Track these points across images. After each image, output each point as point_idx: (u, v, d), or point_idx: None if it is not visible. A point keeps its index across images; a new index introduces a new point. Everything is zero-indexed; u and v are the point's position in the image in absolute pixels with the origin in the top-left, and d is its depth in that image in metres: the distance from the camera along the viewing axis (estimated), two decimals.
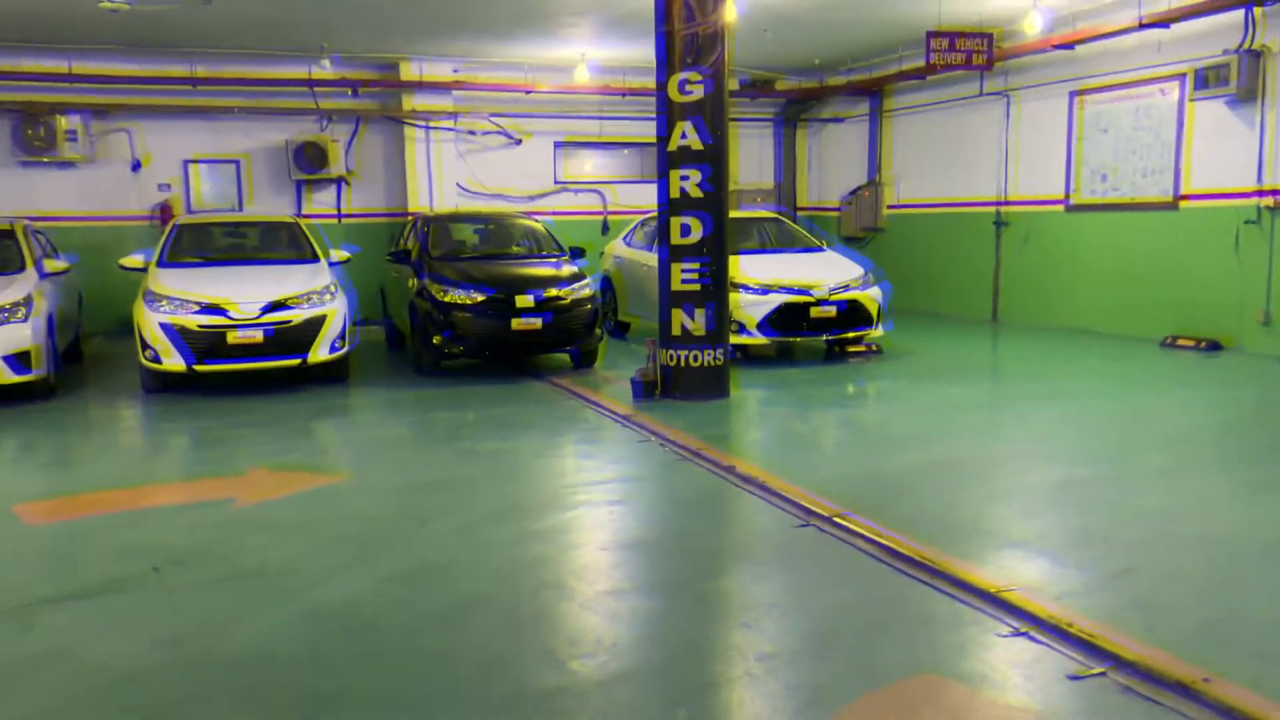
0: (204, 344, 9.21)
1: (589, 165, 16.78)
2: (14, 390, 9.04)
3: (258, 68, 14.36)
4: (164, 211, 14.43)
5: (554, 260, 11.15)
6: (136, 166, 14.41)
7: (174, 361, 9.21)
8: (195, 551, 5.04)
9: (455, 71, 15.20)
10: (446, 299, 10.11)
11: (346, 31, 12.75)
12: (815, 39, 13.71)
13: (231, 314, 9.23)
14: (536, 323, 10.12)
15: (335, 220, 15.35)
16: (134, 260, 10.15)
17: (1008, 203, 14.15)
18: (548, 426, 8.18)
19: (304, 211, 15.15)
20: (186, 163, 14.68)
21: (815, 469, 6.66)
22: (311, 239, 10.90)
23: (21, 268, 9.72)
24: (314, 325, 9.52)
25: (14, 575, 4.84)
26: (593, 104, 16.08)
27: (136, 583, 4.63)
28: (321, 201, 15.31)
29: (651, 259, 11.71)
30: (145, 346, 9.28)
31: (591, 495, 6.08)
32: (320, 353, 9.57)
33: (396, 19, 11.99)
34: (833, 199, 17.42)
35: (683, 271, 8.71)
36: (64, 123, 13.70)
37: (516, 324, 10.06)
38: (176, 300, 9.29)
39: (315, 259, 10.56)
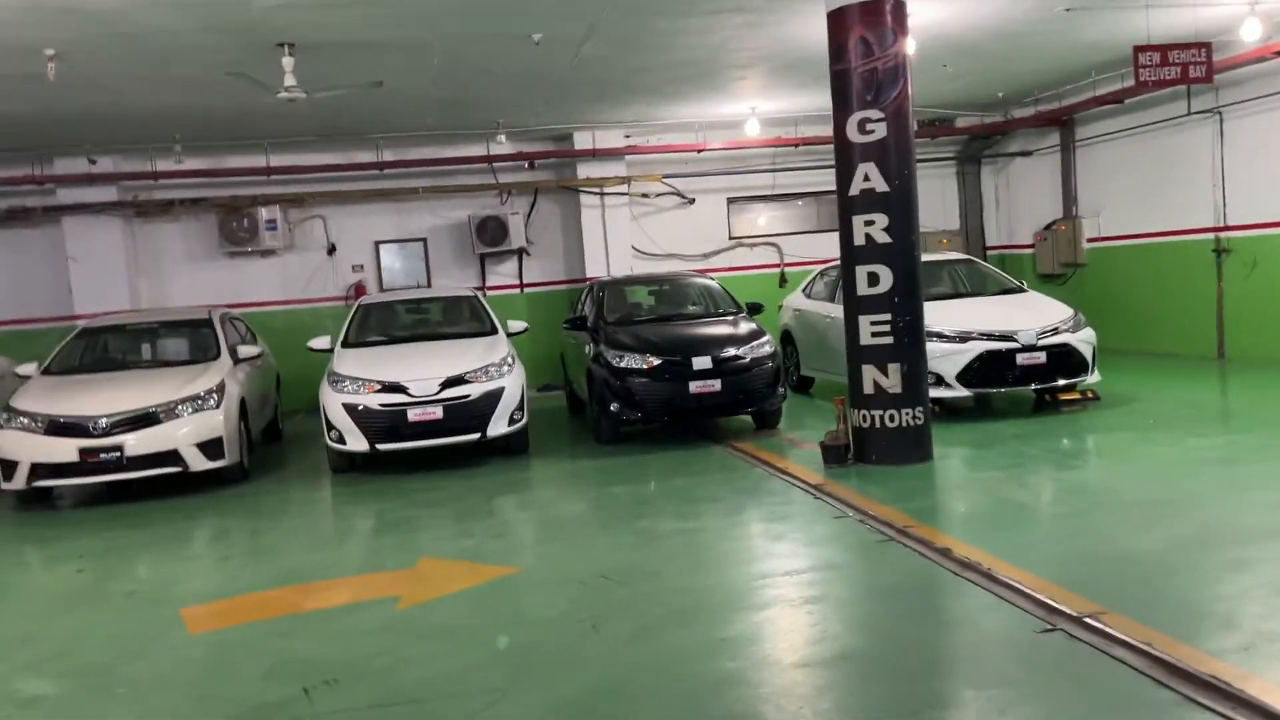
0: (384, 423, 8.82)
1: (762, 219, 15.94)
2: (207, 477, 8.89)
3: (438, 149, 14.31)
4: (358, 291, 14.47)
5: (730, 319, 10.31)
6: (331, 251, 14.56)
7: (357, 442, 8.86)
8: (351, 667, 4.39)
9: (626, 138, 14.73)
10: (621, 365, 9.42)
11: (519, 107, 12.46)
12: (998, 70, 12.47)
13: (410, 392, 8.82)
14: (714, 385, 9.28)
15: (517, 290, 15.06)
16: (320, 342, 9.95)
17: (1227, 229, 12.36)
18: (731, 500, 7.27)
19: (487, 284, 14.93)
20: (377, 243, 14.74)
21: (1048, 550, 5.47)
22: (488, 312, 10.47)
23: (216, 355, 9.66)
24: (491, 399, 8.99)
25: (162, 698, 4.31)
26: (764, 157, 15.28)
27: (283, 710, 4.00)
28: (503, 273, 15.06)
29: (833, 310, 10.72)
30: (330, 427, 8.97)
31: (785, 590, 5.12)
32: (498, 427, 9.03)
33: (567, 91, 11.58)
34: (1023, 237, 15.89)
35: (871, 324, 7.68)
36: (264, 214, 13.99)
37: (694, 387, 9.25)
38: (357, 380, 8.96)
39: (493, 331, 10.10)
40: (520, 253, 14.90)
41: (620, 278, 12.05)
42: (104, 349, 9.97)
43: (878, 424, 7.70)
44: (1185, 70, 8.72)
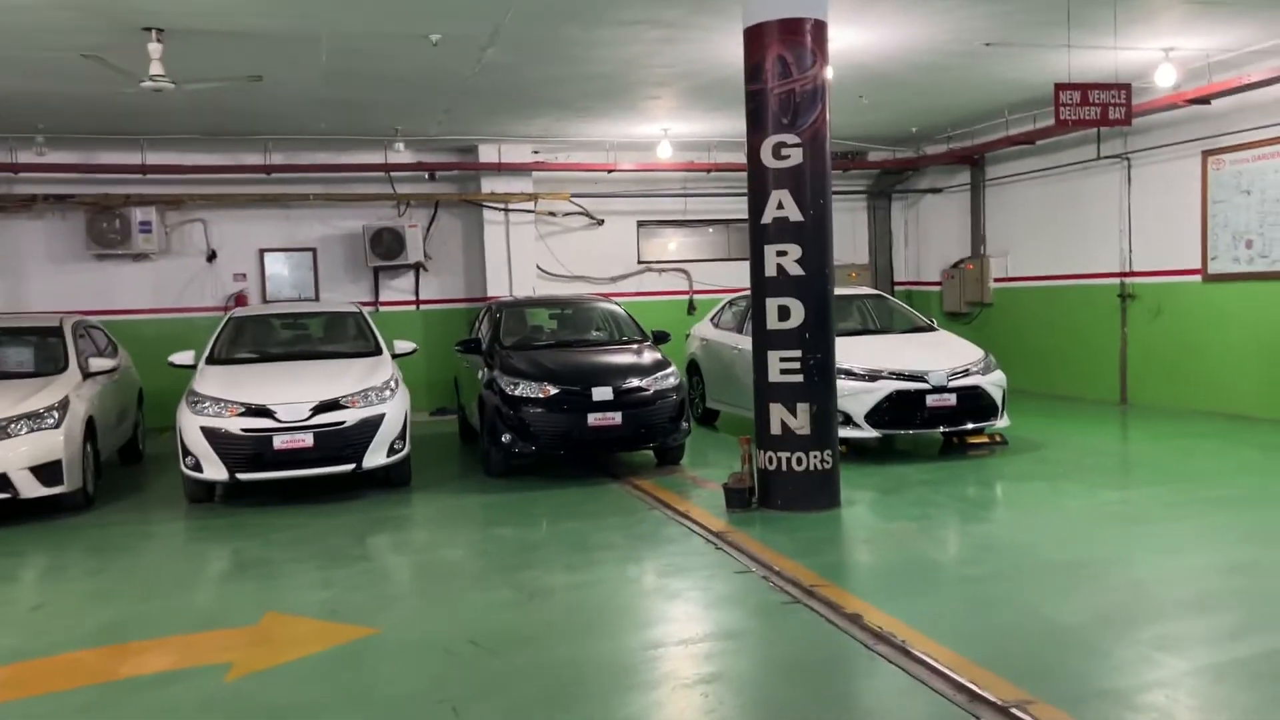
0: (247, 451, 7.94)
1: (672, 244, 15.44)
2: (45, 504, 7.88)
3: (332, 155, 13.43)
4: (238, 301, 13.47)
5: (634, 347, 9.71)
6: (211, 257, 13.51)
7: (215, 470, 7.95)
8: None
9: (534, 153, 14.08)
10: (516, 393, 8.72)
11: (419, 114, 11.70)
12: (913, 104, 12.22)
13: (277, 416, 7.96)
14: (614, 418, 8.65)
15: (413, 308, 14.23)
16: (182, 358, 9.00)
17: (1133, 274, 12.31)
18: (626, 548, 6.63)
19: (381, 299, 14.07)
20: (262, 251, 13.75)
21: (966, 619, 4.96)
22: (373, 330, 9.65)
23: (63, 368, 8.63)
24: (368, 427, 8.19)
25: None
26: (675, 181, 14.80)
27: None
28: (398, 289, 14.21)
29: (742, 342, 10.24)
30: (185, 453, 8.05)
31: (679, 664, 4.49)
32: (375, 458, 8.23)
33: (470, 99, 10.88)
34: (931, 274, 15.73)
35: (781, 361, 7.16)
36: (137, 215, 12.89)
37: (593, 419, 8.60)
38: (219, 402, 8.06)
39: (377, 352, 9.29)
40: (418, 267, 14.08)
41: (519, 299, 11.37)
42: None
43: (784, 467, 7.16)
44: (1105, 111, 8.48)
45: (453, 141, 13.47)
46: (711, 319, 12.04)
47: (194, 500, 8.34)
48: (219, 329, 9.43)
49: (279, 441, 7.94)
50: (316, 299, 13.82)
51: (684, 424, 9.03)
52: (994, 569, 5.92)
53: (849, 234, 15.74)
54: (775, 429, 7.18)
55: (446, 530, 7.47)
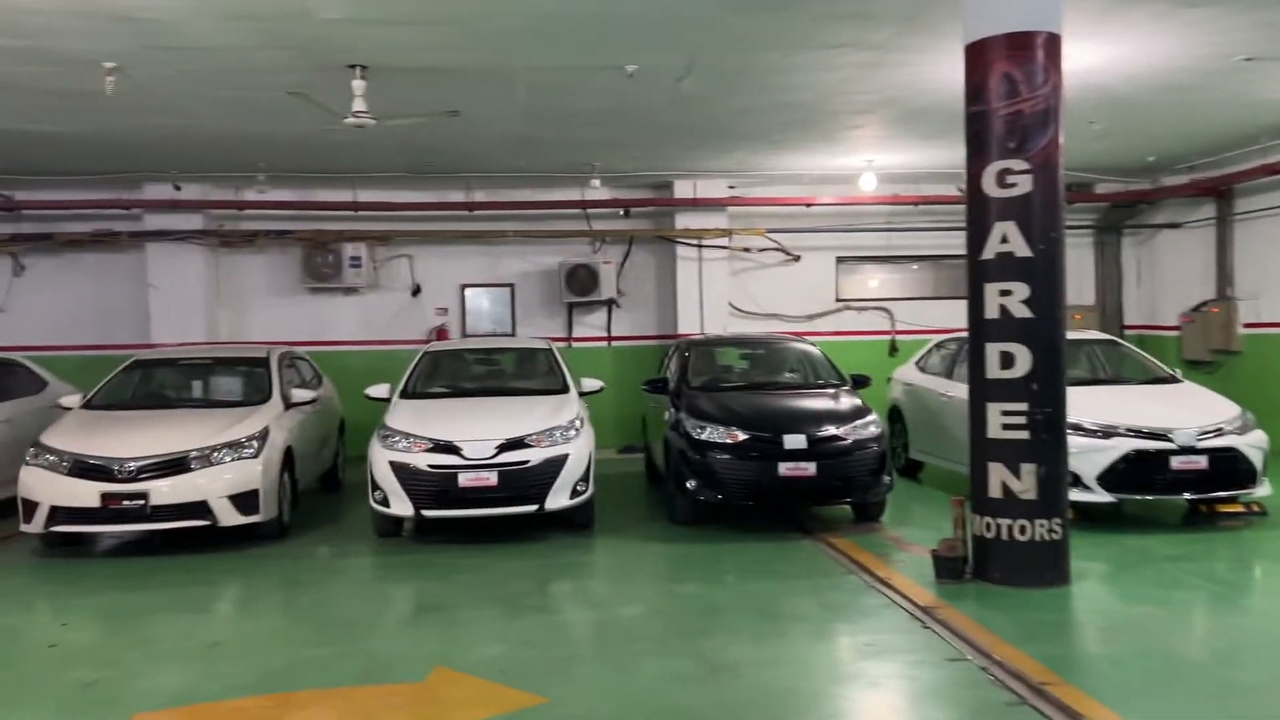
0: (433, 487, 7.80)
1: (874, 281, 14.60)
2: (242, 532, 8.00)
3: (531, 192, 13.47)
4: (439, 335, 13.68)
5: (831, 391, 9.02)
6: (416, 292, 13.81)
7: (401, 506, 7.85)
8: None
9: (730, 188, 13.65)
10: (702, 437, 8.22)
11: (614, 149, 11.51)
12: (1154, 130, 10.97)
13: (463, 453, 7.79)
14: (808, 468, 7.99)
15: (604, 344, 14.04)
16: (378, 390, 9.04)
17: None
18: (820, 619, 5.96)
19: (574, 335, 13.96)
20: (463, 286, 13.94)
21: None
22: (561, 366, 9.42)
23: (265, 398, 8.83)
24: (552, 467, 7.90)
25: None
26: (878, 215, 13.99)
27: None
28: (591, 324, 14.07)
29: (952, 389, 9.39)
30: (374, 487, 8.00)
31: None
32: (558, 499, 7.92)
33: (664, 132, 10.57)
34: (1167, 318, 14.14)
35: (1003, 414, 6.31)
36: (349, 250, 13.33)
37: (784, 469, 7.98)
38: (408, 437, 7.98)
39: (564, 390, 9.04)
40: (610, 304, 13.89)
41: (709, 337, 10.89)
42: (153, 384, 9.28)
43: (1004, 535, 6.30)
44: None
45: (647, 178, 13.23)
46: (917, 362, 11.17)
47: (382, 535, 8.28)
48: (414, 363, 9.44)
49: (464, 479, 7.76)
50: (513, 334, 13.87)
51: (885, 477, 8.26)
52: (1265, 675, 4.87)
53: (1073, 273, 14.23)
54: (994, 491, 6.34)
55: (627, 583, 7.03)
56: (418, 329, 13.81)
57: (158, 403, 8.91)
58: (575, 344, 13.91)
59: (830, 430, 8.15)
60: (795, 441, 8.00)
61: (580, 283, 13.56)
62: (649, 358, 13.79)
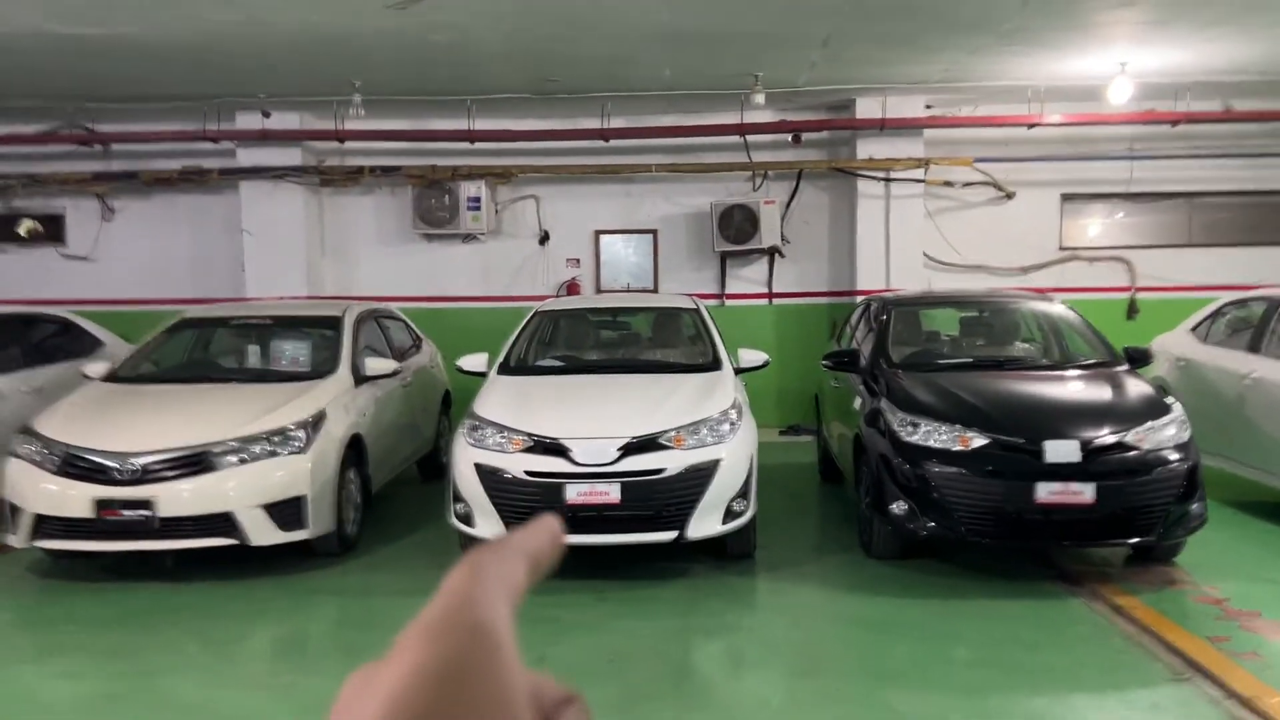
0: (531, 501, 5.49)
1: (1105, 226, 11.43)
2: (291, 549, 5.93)
3: (679, 117, 10.92)
4: (569, 291, 11.41)
5: (1103, 373, 6.20)
6: (544, 240, 11.55)
7: (489, 526, 5.57)
8: None
9: (927, 108, 10.75)
10: (915, 439, 5.61)
11: (786, 53, 8.83)
12: None
13: (573, 457, 5.45)
14: (1082, 492, 5.25)
15: (765, 301, 11.46)
16: (473, 362, 6.79)
17: None
18: None
19: (727, 290, 11.43)
20: (597, 233, 11.60)
21: None
22: (712, 334, 6.92)
23: (329, 370, 6.71)
24: (698, 478, 5.47)
25: None
26: (1119, 140, 10.81)
27: None
28: (748, 279, 11.48)
29: (1261, 366, 6.48)
30: (456, 498, 5.76)
31: None
32: (705, 523, 5.49)
33: (858, 19, 7.83)
34: None
35: None
36: (466, 190, 11.17)
37: (1044, 493, 5.27)
38: (502, 430, 5.69)
39: (715, 365, 6.55)
40: (773, 253, 11.25)
41: (915, 295, 8.13)
42: (198, 349, 7.34)
43: None
44: None
45: (825, 94, 10.45)
46: (1192, 329, 8.15)
47: None
48: (519, 328, 7.13)
49: (573, 493, 5.42)
50: (655, 289, 11.46)
51: (1196, 505, 5.42)
52: None
53: None
54: None
55: (805, 670, 4.53)
56: (546, 283, 11.55)
57: (199, 374, 6.92)
58: (729, 301, 11.39)
59: (1114, 435, 5.37)
60: (1062, 451, 5.27)
61: (736, 227, 10.98)
62: (818, 319, 11.16)
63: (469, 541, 5.81)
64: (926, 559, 5.89)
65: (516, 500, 5.48)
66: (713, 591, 5.47)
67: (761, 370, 6.97)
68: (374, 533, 6.69)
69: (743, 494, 5.62)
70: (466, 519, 5.66)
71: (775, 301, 11.43)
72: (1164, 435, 5.43)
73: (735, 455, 5.60)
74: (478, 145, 11.00)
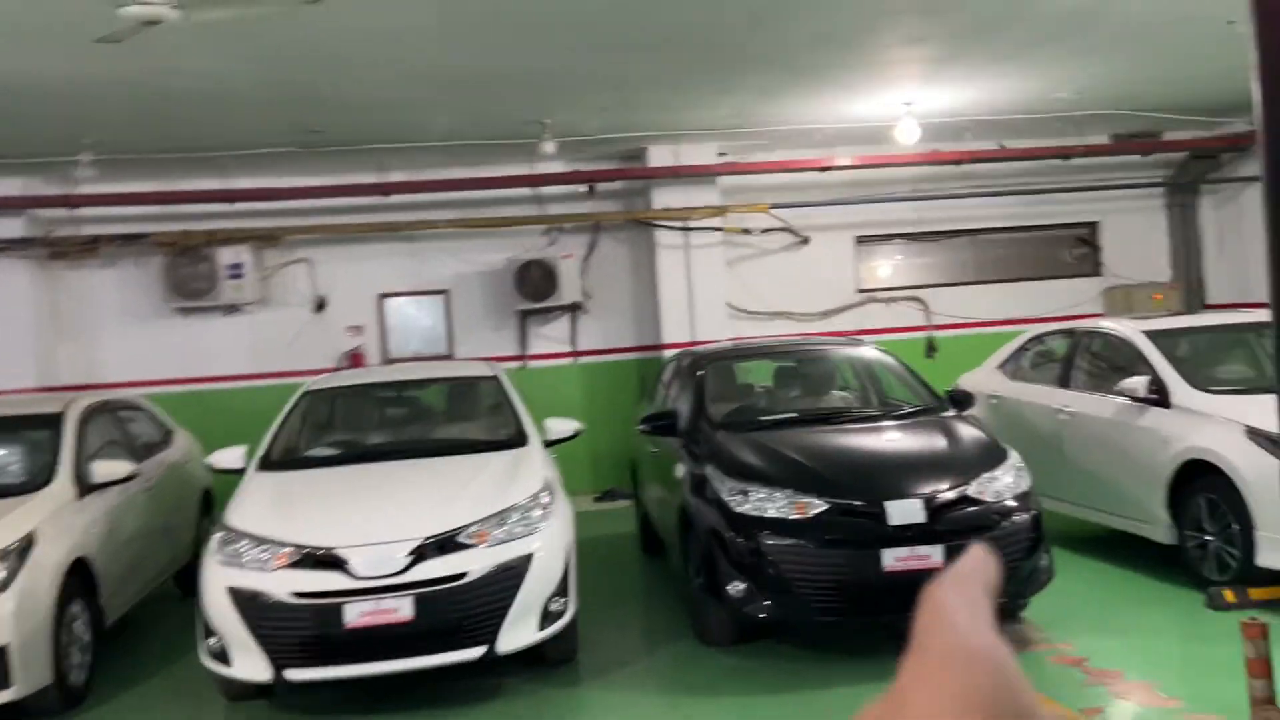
0: (302, 629, 4.48)
1: (898, 266, 11.52)
2: (4, 714, 4.61)
3: (465, 169, 10.15)
4: (353, 362, 10.30)
5: (931, 421, 5.82)
6: (320, 307, 10.41)
7: (250, 663, 4.50)
8: None
9: (720, 155, 10.47)
10: (746, 509, 4.99)
11: (573, 97, 8.26)
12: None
13: (352, 570, 4.48)
14: (929, 556, 4.78)
15: (569, 360, 10.76)
16: (227, 458, 5.68)
17: None
18: None
19: (529, 351, 10.67)
20: (381, 297, 10.57)
21: None
22: (514, 405, 6.10)
23: (44, 482, 5.43)
24: (507, 580, 4.63)
25: None
26: (907, 181, 10.90)
27: None
28: (550, 338, 10.76)
29: (1074, 402, 6.46)
30: (208, 632, 4.64)
31: None
32: (519, 632, 4.64)
33: (639, 66, 7.35)
34: (1261, 293, 11.19)
35: None
36: (225, 256, 9.91)
37: (892, 559, 4.76)
38: (261, 543, 4.64)
39: (521, 440, 5.74)
40: (574, 309, 10.60)
41: (730, 347, 7.62)
42: None
43: None
44: None
45: (617, 142, 9.96)
46: (1000, 366, 8.07)
47: (235, 698, 4.93)
48: (284, 412, 6.07)
49: (354, 614, 4.44)
50: (451, 354, 10.54)
51: (1044, 558, 5.06)
52: None
53: (1141, 243, 11.47)
54: None
55: None
56: (325, 355, 10.36)
57: None
58: (533, 362, 10.63)
59: (955, 489, 4.94)
60: (906, 512, 4.78)
61: (534, 284, 10.26)
62: (627, 375, 10.58)
63: (228, 685, 4.71)
64: (767, 639, 5.27)
65: (283, 629, 4.44)
66: (532, 715, 4.61)
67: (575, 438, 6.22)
68: (113, 674, 5.41)
69: (561, 591, 4.81)
70: (221, 656, 4.56)
71: (581, 360, 10.76)
72: (1004, 484, 5.06)
73: (550, 546, 4.80)
74: (238, 206, 9.82)
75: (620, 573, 7.17)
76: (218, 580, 4.57)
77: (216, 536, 4.79)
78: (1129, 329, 6.73)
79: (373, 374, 7.91)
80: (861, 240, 11.22)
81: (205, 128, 8.40)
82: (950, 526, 4.79)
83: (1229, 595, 5.21)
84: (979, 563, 0.56)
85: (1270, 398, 5.41)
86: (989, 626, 0.50)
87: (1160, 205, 11.55)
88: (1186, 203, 11.44)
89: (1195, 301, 11.37)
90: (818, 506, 4.86)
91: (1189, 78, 8.89)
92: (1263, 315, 7.51)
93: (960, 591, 0.53)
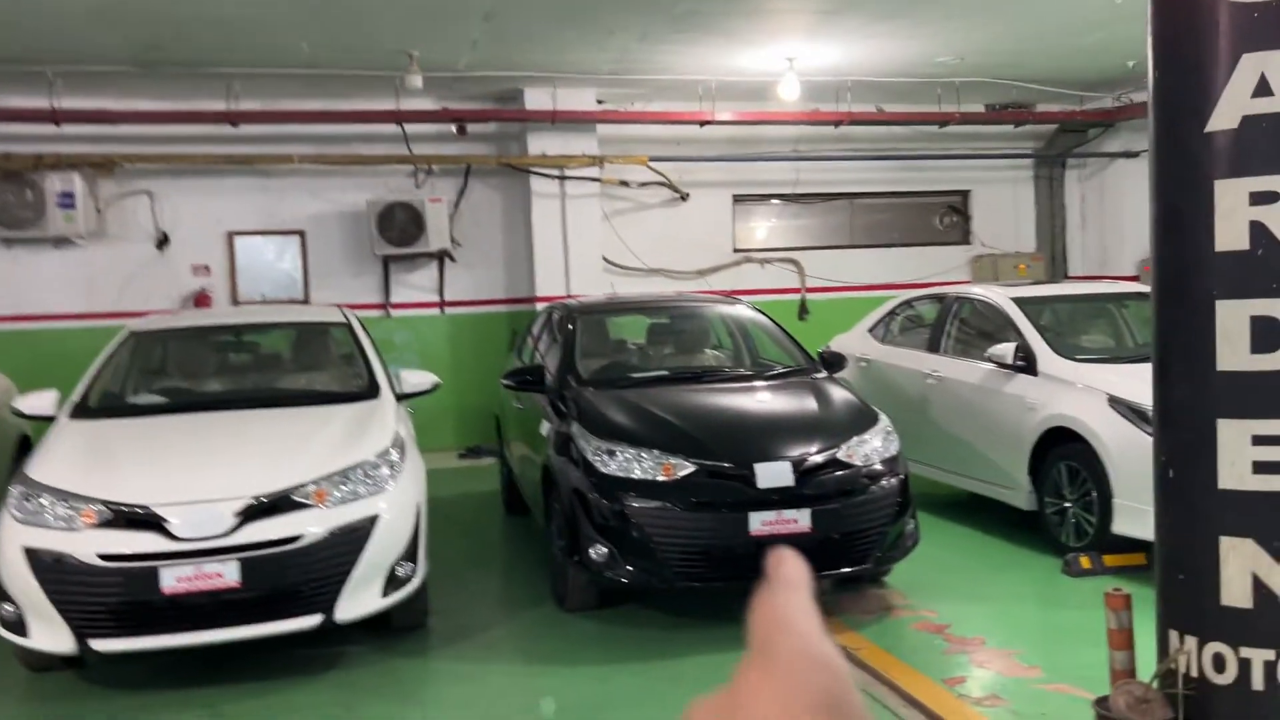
0: (110, 597, 4.01)
1: (774, 227, 11.43)
2: None
3: (325, 101, 9.47)
4: (198, 304, 9.58)
5: (803, 382, 5.66)
6: (162, 243, 9.60)
7: (50, 633, 4.00)
8: None
9: (600, 103, 10.09)
10: (611, 470, 4.74)
11: (446, 26, 7.73)
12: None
13: (171, 530, 4.02)
14: (797, 520, 4.63)
15: (436, 310, 10.27)
16: (36, 403, 5.06)
17: None
18: None
19: (392, 300, 10.13)
20: (231, 235, 9.83)
21: None
22: (367, 354, 5.65)
23: None
24: (348, 542, 4.25)
25: None
26: (786, 141, 10.77)
27: None
28: (417, 286, 10.24)
29: (943, 366, 6.46)
30: (3, 596, 4.11)
31: None
32: (361, 599, 4.28)
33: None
34: (1122, 266, 11.58)
35: (1255, 445, 3.11)
36: (55, 183, 9.00)
37: (760, 523, 4.59)
38: (67, 499, 4.12)
39: (372, 392, 5.31)
40: (442, 257, 10.10)
41: (602, 301, 7.29)
42: None
43: (1256, 680, 3.13)
44: None
45: (491, 81, 9.45)
46: (871, 329, 8.03)
47: (36, 669, 4.41)
48: (105, 354, 5.45)
49: (172, 579, 3.98)
50: (306, 300, 9.91)
51: (910, 522, 4.99)
52: None
53: (1009, 213, 11.69)
54: (1236, 593, 3.14)
55: None
56: (168, 296, 9.60)
57: None
58: (396, 311, 10.11)
59: (824, 452, 4.79)
60: (774, 474, 4.61)
61: (400, 228, 9.70)
62: (498, 329, 10.18)
63: (28, 655, 4.21)
64: (629, 605, 5.05)
65: (88, 597, 3.96)
66: (374, 686, 4.26)
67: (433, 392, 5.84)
68: None
69: (409, 555, 4.46)
70: (17, 626, 4.04)
71: (448, 311, 10.28)
72: (873, 448, 4.95)
73: (398, 507, 4.43)
74: (67, 129, 8.90)
75: (480, 534, 6.86)
76: (13, 540, 4.03)
77: (14, 491, 4.24)
78: (998, 295, 6.74)
79: (208, 315, 7.30)
80: (739, 199, 11.05)
81: (28, 37, 7.53)
82: (818, 490, 4.65)
83: (1085, 562, 5.27)
84: (798, 568, 0.57)
85: (1132, 367, 5.49)
86: (825, 632, 0.53)
87: (1028, 177, 11.78)
88: (1054, 175, 11.70)
89: (1058, 273, 11.68)
90: (685, 468, 4.64)
91: (1067, 50, 8.99)
92: (1126, 287, 7.71)
93: (793, 598, 0.54)
